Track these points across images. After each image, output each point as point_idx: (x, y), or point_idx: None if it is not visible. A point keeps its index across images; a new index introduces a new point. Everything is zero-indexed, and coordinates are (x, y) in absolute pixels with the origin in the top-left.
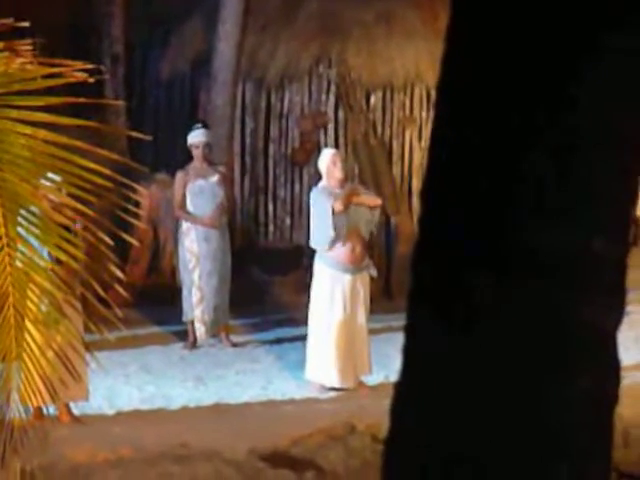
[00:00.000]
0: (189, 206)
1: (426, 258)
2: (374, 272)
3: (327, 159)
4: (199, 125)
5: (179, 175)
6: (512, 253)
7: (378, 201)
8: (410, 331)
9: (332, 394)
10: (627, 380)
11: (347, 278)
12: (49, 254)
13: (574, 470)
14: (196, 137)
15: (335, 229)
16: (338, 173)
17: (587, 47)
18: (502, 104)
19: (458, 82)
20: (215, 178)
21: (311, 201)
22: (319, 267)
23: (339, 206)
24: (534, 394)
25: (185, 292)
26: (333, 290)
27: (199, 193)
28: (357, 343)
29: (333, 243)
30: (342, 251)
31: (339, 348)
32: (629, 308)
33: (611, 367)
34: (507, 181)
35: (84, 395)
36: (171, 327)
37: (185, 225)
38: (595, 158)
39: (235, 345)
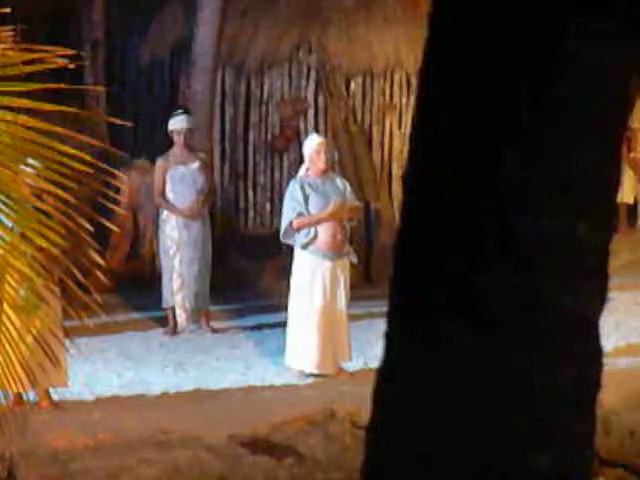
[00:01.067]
0: (169, 193)
1: (408, 244)
2: (354, 258)
3: (312, 147)
4: (180, 111)
5: (159, 162)
6: (494, 240)
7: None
8: (392, 317)
9: (312, 380)
10: (608, 366)
11: (327, 264)
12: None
13: (556, 457)
14: (177, 123)
15: (286, 235)
16: (320, 163)
17: (569, 33)
18: (484, 90)
19: (440, 68)
20: (196, 165)
21: (286, 191)
22: (299, 253)
23: (297, 223)
24: (515, 380)
25: (165, 279)
26: (313, 276)
27: (180, 180)
28: (336, 329)
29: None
30: (322, 238)
31: (318, 334)
32: (610, 294)
33: (593, 353)
34: (489, 167)
35: (63, 381)
36: (151, 313)
37: (165, 212)
38: (578, 144)
39: (215, 331)
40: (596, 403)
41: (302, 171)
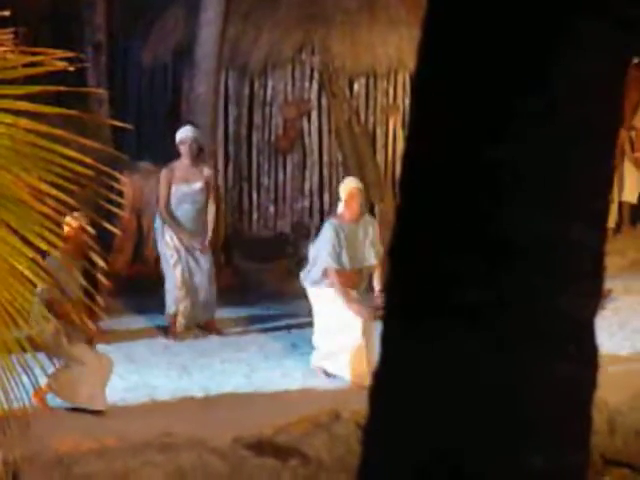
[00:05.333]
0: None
1: (404, 247)
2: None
3: (347, 190)
4: (187, 124)
5: (164, 173)
6: (488, 241)
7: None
8: (387, 319)
9: (316, 382)
10: (612, 367)
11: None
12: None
13: (550, 457)
14: (183, 133)
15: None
16: (355, 207)
17: (562, 33)
18: (478, 91)
19: (433, 70)
20: (198, 185)
21: (322, 233)
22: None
23: (330, 275)
24: (509, 380)
25: (168, 286)
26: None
27: (182, 199)
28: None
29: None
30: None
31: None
32: (615, 295)
33: (588, 354)
34: (483, 168)
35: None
36: (155, 316)
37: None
38: (571, 144)
39: (220, 333)
40: (592, 403)
41: (339, 210)
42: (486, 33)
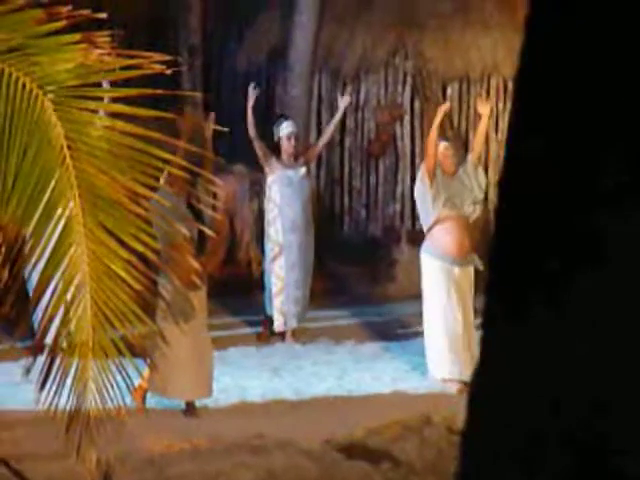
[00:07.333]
0: (276, 194)
1: (503, 249)
2: (480, 265)
3: (440, 151)
4: (283, 118)
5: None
6: (589, 244)
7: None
8: (487, 322)
9: (406, 386)
10: None
11: (455, 270)
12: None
13: None
14: (289, 127)
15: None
16: (450, 166)
17: None
18: (585, 95)
19: (537, 74)
20: (303, 171)
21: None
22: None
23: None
24: (606, 380)
25: (267, 284)
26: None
27: (288, 184)
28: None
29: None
30: (447, 242)
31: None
32: None
33: None
34: (586, 171)
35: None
36: (247, 318)
37: (271, 214)
38: None
39: (304, 343)
40: None
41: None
42: (597, 38)
